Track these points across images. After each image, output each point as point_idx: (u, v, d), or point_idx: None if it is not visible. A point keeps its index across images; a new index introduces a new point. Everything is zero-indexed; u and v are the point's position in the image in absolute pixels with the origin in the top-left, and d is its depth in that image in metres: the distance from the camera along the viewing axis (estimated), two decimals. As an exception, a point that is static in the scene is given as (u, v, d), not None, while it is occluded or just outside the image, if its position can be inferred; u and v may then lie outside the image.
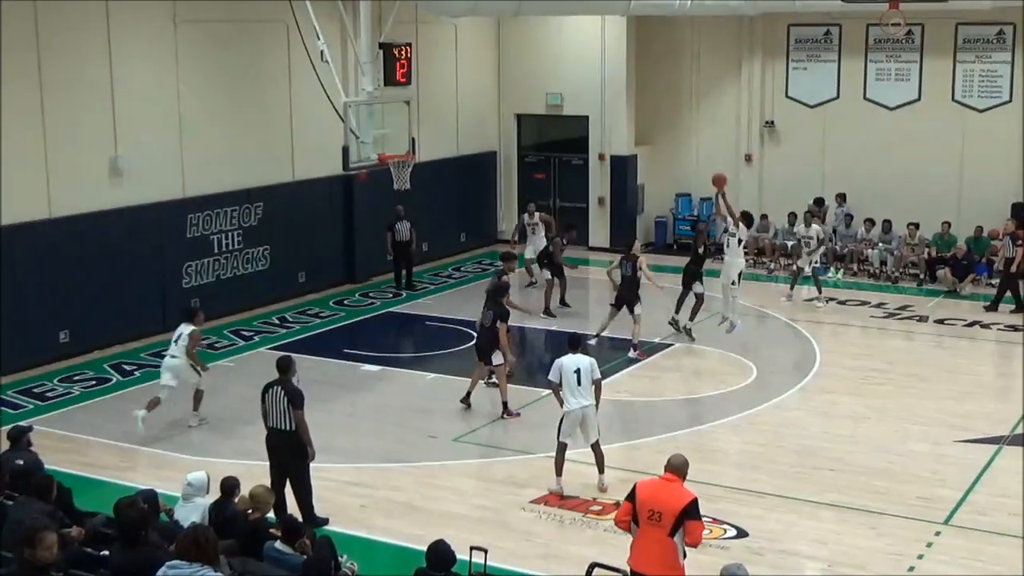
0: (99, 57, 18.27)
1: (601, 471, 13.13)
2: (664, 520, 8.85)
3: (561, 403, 12.96)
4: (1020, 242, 21.50)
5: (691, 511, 8.85)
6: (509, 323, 15.95)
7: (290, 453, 11.86)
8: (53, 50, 17.48)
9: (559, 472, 13.01)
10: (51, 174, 17.65)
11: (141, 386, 16.92)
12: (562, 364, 12.95)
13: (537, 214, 22.82)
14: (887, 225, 23.98)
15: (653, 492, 9.03)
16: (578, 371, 12.88)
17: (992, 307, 20.96)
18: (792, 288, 22.24)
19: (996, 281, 22.57)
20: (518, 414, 15.55)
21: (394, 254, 22.83)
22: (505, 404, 15.61)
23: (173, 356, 15.11)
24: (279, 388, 11.87)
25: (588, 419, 12.97)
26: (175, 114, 19.60)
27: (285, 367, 12.11)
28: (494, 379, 16.08)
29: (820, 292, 21.81)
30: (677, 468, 9.11)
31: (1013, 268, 21.19)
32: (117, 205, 18.65)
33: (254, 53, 21.01)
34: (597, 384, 13.08)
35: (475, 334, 16.90)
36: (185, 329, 15.14)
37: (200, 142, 19.98)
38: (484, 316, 16.03)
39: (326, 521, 11.94)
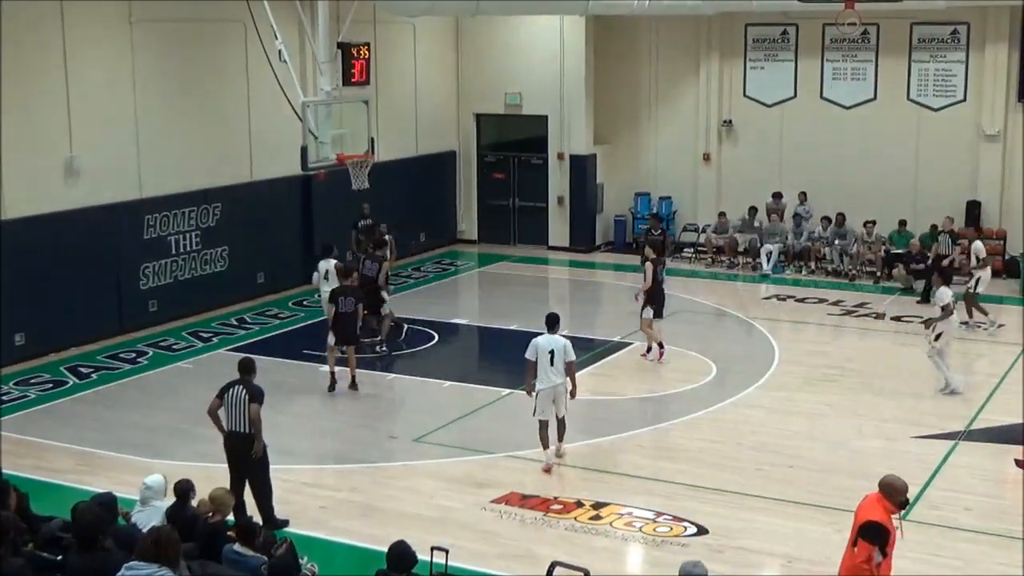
0: (54, 57, 18.09)
1: (561, 439, 13.92)
2: (852, 531, 8.81)
3: (530, 380, 13.54)
4: (959, 241, 21.80)
5: (864, 531, 8.63)
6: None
7: (249, 456, 11.79)
8: (7, 50, 17.26)
9: (546, 446, 13.67)
10: (5, 175, 17.45)
11: (98, 388, 16.80)
12: (538, 344, 13.55)
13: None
14: (840, 218, 24.12)
15: (862, 502, 8.94)
16: (552, 352, 13.46)
17: (924, 300, 21.13)
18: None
19: (955, 278, 22.88)
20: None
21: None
22: (353, 378, 16.47)
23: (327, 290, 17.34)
24: (240, 387, 11.80)
25: (559, 396, 13.65)
26: (131, 114, 19.45)
27: (247, 368, 12.05)
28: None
29: (986, 314, 20.07)
30: (881, 486, 8.86)
31: (945, 263, 21.40)
32: (73, 206, 18.47)
33: (211, 53, 20.88)
34: (570, 365, 13.60)
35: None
36: (327, 265, 18.40)
37: (157, 142, 19.84)
38: (345, 303, 16.46)
39: (286, 523, 11.90)
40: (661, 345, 18.02)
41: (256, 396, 11.74)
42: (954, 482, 13.29)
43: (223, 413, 11.85)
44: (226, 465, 12.00)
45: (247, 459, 11.78)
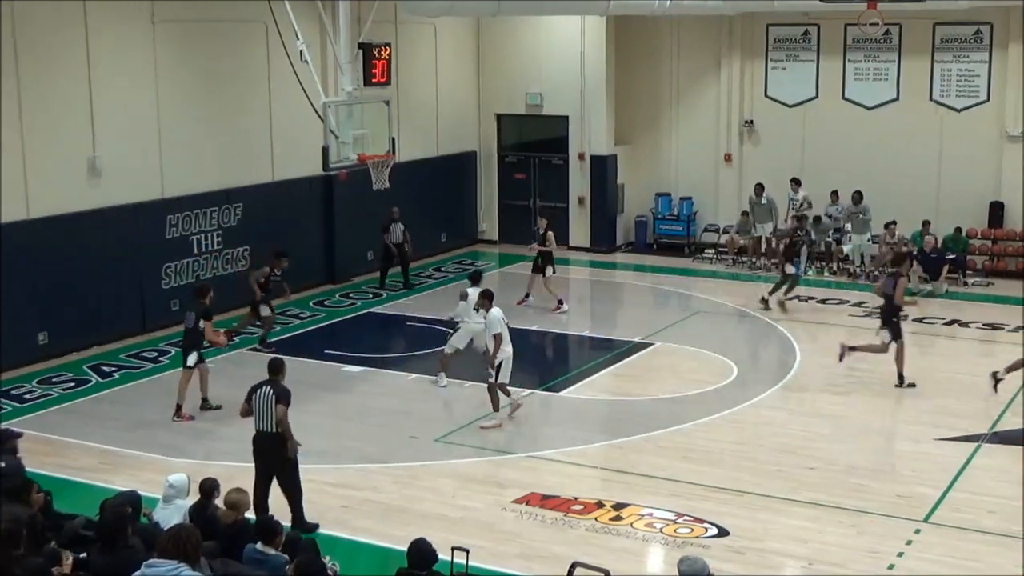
0: (77, 57, 18.18)
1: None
2: None
3: (495, 352, 14.78)
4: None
5: None
6: None
7: (278, 456, 11.77)
8: (31, 51, 17.39)
9: (498, 407, 15.01)
10: (29, 175, 17.55)
11: (121, 387, 16.88)
12: (497, 316, 14.91)
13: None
14: (857, 196, 23.74)
15: None
16: (504, 320, 15.06)
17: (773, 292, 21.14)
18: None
19: (974, 280, 22.86)
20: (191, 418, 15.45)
21: (388, 255, 22.81)
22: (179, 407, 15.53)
23: (477, 323, 16.05)
24: (268, 388, 11.81)
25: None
26: (154, 114, 19.53)
27: (276, 368, 12.06)
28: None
29: None
30: None
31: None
32: (95, 206, 18.57)
33: (233, 53, 20.95)
34: None
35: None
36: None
37: (179, 142, 19.92)
38: (187, 318, 15.75)
39: (316, 526, 11.84)
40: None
41: (282, 397, 11.73)
42: (977, 485, 13.21)
43: (253, 413, 11.88)
44: (246, 463, 12.03)
45: (274, 459, 11.78)
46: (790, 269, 21.02)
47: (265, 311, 18.72)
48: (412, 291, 22.69)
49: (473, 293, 16.20)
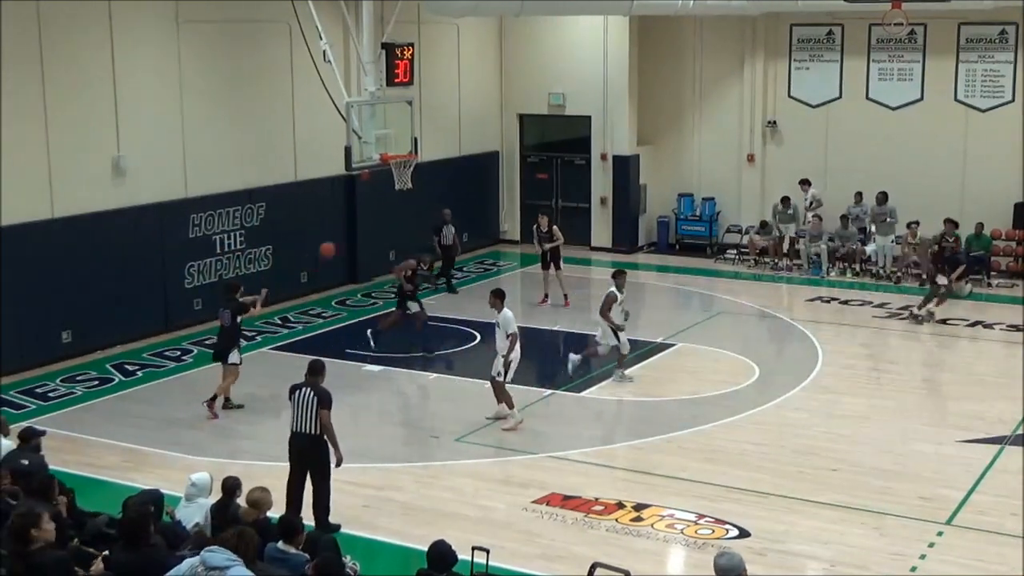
0: (102, 57, 18.29)
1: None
2: None
3: (510, 350, 14.86)
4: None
5: None
6: None
7: (315, 457, 11.76)
8: (55, 50, 17.50)
9: (512, 404, 15.10)
10: (54, 174, 17.67)
11: (144, 386, 16.97)
12: (511, 315, 15.07)
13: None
14: (882, 197, 23.75)
15: None
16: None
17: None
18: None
19: (999, 281, 22.75)
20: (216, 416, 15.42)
21: (440, 257, 22.86)
22: (214, 398, 15.56)
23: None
24: (308, 389, 11.80)
25: None
26: (177, 114, 19.62)
27: (318, 370, 12.04)
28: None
29: None
30: None
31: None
32: (119, 205, 18.67)
33: (256, 53, 21.02)
34: None
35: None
36: None
37: (202, 142, 20.01)
38: (222, 316, 15.70)
39: (338, 527, 11.84)
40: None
41: (324, 401, 11.69)
42: (1000, 487, 13.14)
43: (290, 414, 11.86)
44: (268, 462, 12.05)
45: (311, 461, 11.77)
46: (941, 280, 20.52)
47: (414, 307, 18.91)
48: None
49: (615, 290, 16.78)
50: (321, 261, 19.43)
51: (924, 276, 22.23)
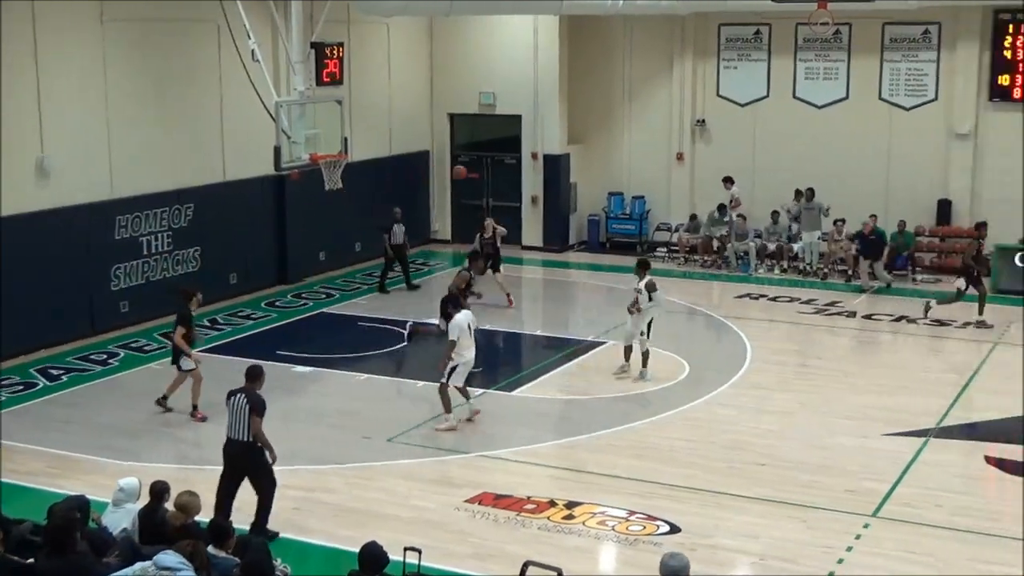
0: (25, 56, 17.97)
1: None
2: None
3: (449, 357, 14.80)
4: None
5: None
6: None
7: (251, 464, 11.64)
8: (-24, 49, 17.19)
9: (450, 409, 14.97)
10: (-25, 175, 17.36)
11: (69, 390, 16.71)
12: (459, 321, 14.91)
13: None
14: (810, 193, 24.01)
15: None
16: (469, 325, 15.07)
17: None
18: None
19: (923, 276, 23.18)
20: (204, 418, 15.34)
21: (389, 256, 22.75)
22: (195, 407, 15.45)
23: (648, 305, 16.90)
24: (242, 396, 11.69)
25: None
26: (103, 113, 19.35)
27: (254, 376, 11.94)
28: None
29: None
30: None
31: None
32: (43, 206, 18.36)
33: (184, 52, 20.80)
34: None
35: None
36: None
37: (129, 142, 19.75)
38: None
39: (276, 535, 11.71)
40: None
41: (256, 407, 11.58)
42: (925, 479, 13.37)
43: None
44: (201, 466, 11.93)
45: (244, 466, 11.66)
46: (960, 284, 20.09)
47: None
48: (348, 294, 22.60)
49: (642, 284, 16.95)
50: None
51: (853, 273, 22.53)
